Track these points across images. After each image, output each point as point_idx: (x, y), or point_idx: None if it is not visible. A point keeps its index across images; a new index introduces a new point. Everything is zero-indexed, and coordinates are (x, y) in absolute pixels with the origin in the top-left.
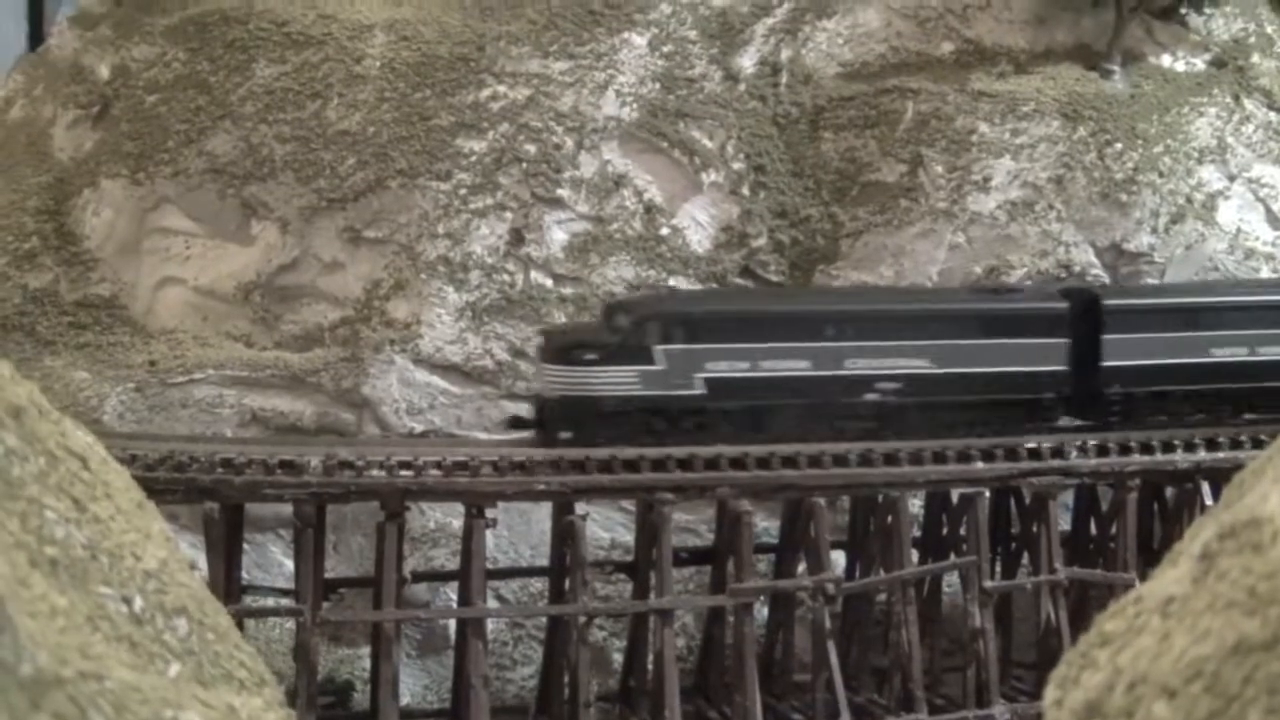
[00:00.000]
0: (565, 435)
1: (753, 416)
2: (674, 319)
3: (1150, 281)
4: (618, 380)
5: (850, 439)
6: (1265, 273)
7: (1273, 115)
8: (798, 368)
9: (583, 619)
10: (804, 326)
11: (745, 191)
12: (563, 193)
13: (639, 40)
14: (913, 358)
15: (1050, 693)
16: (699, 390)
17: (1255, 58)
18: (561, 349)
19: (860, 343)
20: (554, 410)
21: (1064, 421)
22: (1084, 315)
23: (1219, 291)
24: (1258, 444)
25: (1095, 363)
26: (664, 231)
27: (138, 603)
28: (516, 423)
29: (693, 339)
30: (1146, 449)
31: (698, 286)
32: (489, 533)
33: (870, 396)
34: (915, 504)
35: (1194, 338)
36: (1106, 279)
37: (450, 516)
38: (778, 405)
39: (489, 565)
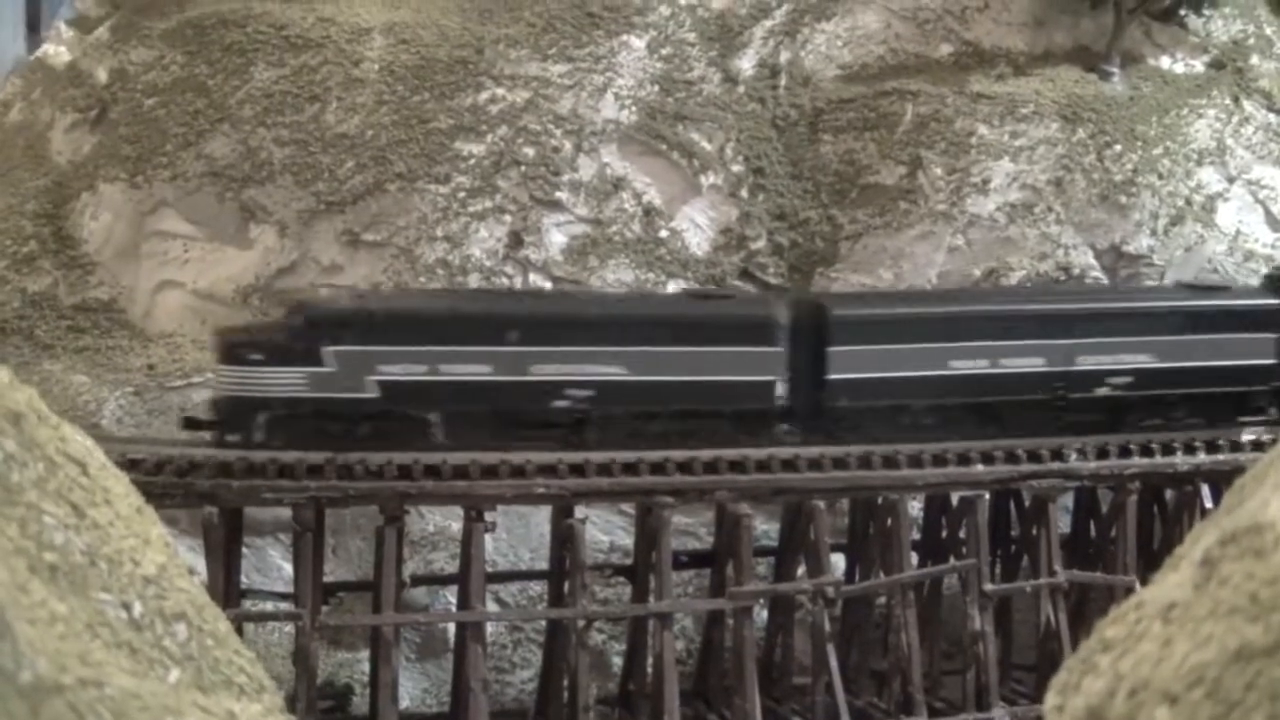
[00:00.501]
0: (233, 437)
1: (434, 423)
2: (343, 319)
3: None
4: (284, 381)
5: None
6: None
7: (1272, 117)
8: (478, 372)
9: (582, 623)
10: (485, 329)
11: (744, 194)
12: (561, 195)
13: (637, 43)
14: (606, 364)
15: (1051, 699)
16: (372, 394)
17: (1254, 59)
18: (229, 348)
19: (546, 348)
20: (224, 411)
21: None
22: (810, 325)
23: (957, 301)
24: (1258, 447)
25: (820, 375)
26: (663, 234)
27: (137, 608)
28: (190, 423)
29: (364, 340)
30: (1146, 451)
31: (696, 286)
32: (488, 536)
33: (559, 404)
34: (915, 507)
35: (930, 349)
36: (1106, 280)
37: (449, 520)
38: (459, 411)
39: (488, 569)
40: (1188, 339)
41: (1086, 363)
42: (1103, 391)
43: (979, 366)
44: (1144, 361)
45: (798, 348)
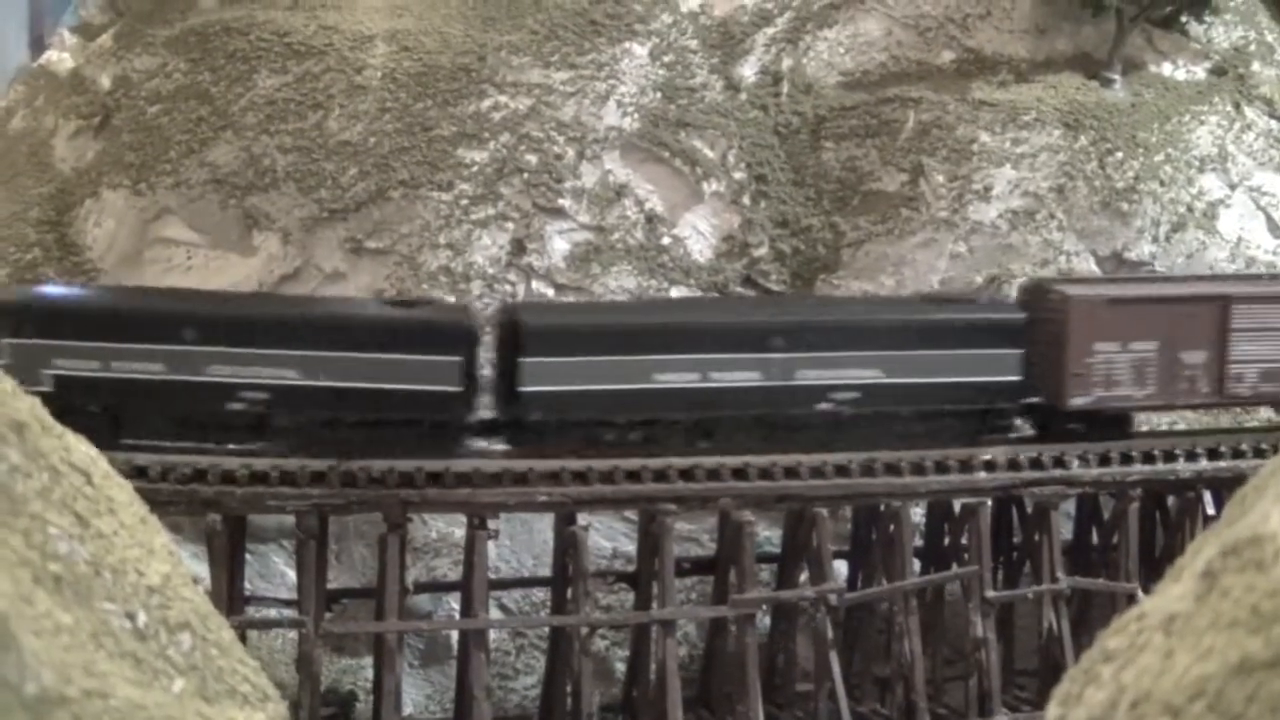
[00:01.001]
0: None
1: (110, 420)
2: (19, 311)
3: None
4: None
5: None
6: None
7: (1274, 123)
8: (151, 370)
9: (585, 629)
10: (160, 327)
11: (746, 201)
12: (564, 203)
13: (640, 50)
14: (281, 367)
15: (1053, 710)
16: (46, 388)
17: (1256, 66)
18: None
19: (221, 348)
20: None
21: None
22: (505, 335)
23: (662, 313)
24: (1259, 453)
25: (513, 387)
26: (665, 241)
27: (141, 618)
28: None
29: (40, 333)
30: (1149, 458)
31: (698, 294)
32: (491, 543)
33: (235, 406)
34: (917, 513)
35: (632, 362)
36: None
37: (453, 526)
38: (134, 409)
39: (491, 575)
40: (921, 354)
41: (807, 377)
42: (825, 407)
43: (687, 380)
44: (871, 377)
45: (495, 358)
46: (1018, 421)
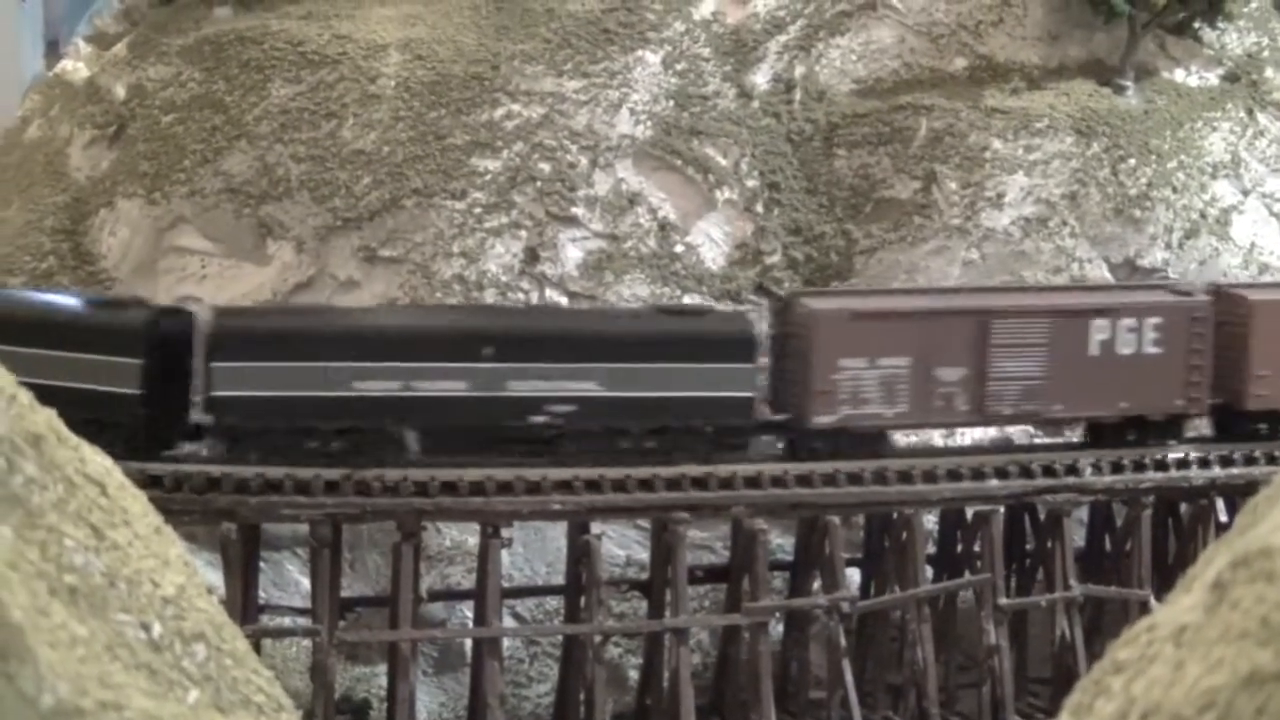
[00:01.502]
0: None
1: None
2: None
3: None
4: None
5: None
6: None
7: None
8: None
9: (598, 637)
10: None
11: (759, 208)
12: (577, 211)
13: (653, 58)
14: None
15: None
16: None
17: (1269, 72)
18: None
19: None
20: None
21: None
22: (206, 339)
23: (362, 319)
24: (1271, 460)
25: (208, 391)
26: (678, 249)
27: (156, 629)
28: None
29: None
30: (1161, 466)
31: (711, 302)
32: (504, 551)
33: None
34: (930, 521)
35: (331, 369)
36: None
37: (466, 534)
38: None
39: (504, 583)
40: (642, 367)
41: (519, 389)
42: (540, 420)
43: (387, 389)
44: (589, 390)
45: (202, 363)
46: (758, 439)
